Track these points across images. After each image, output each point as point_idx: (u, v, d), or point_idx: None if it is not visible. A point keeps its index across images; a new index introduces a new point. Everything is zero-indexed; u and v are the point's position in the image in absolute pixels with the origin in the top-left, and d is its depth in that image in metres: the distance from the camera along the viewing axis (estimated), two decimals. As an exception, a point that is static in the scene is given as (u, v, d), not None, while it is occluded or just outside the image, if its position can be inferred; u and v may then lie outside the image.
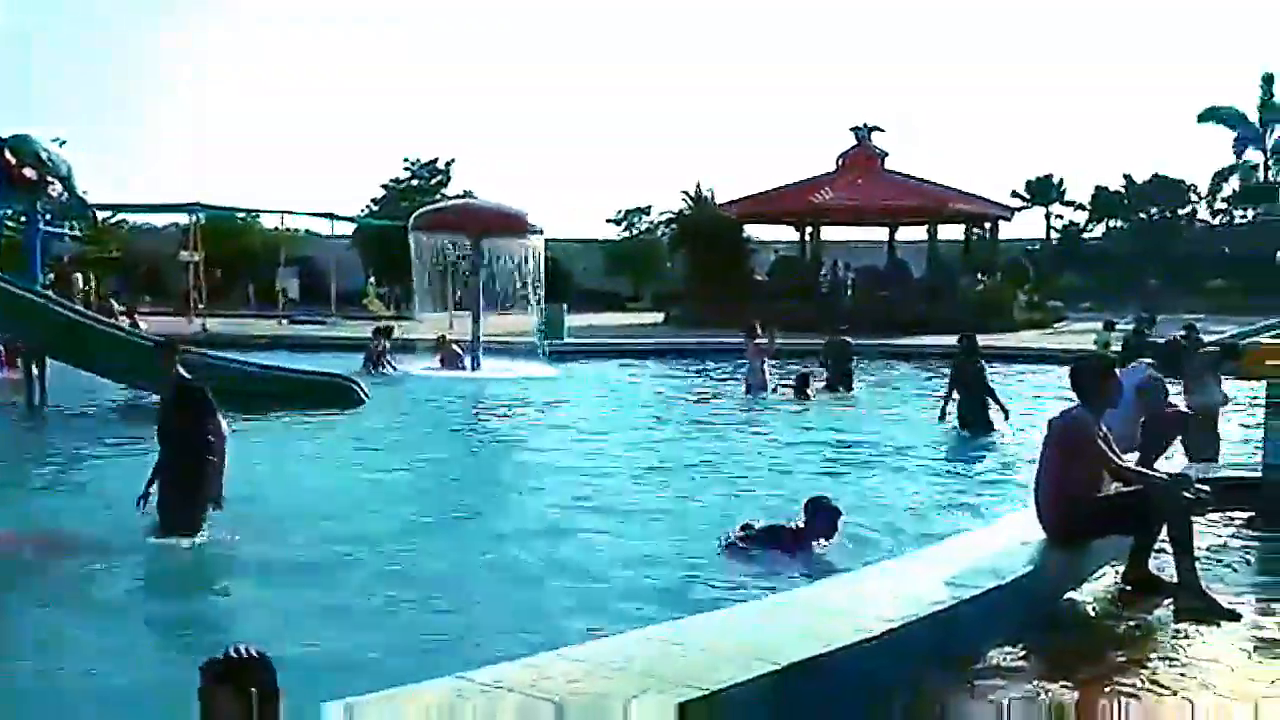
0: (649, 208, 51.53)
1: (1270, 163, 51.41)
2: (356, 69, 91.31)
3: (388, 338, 18.50)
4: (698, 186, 36.72)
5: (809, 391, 14.88)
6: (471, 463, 10.72)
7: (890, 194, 34.18)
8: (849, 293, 33.31)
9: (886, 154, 35.74)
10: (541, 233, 19.49)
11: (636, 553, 6.49)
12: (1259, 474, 7.32)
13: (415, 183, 47.61)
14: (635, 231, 52.58)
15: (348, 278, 37.73)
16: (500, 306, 20.03)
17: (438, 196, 41.17)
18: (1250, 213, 51.67)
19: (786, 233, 39.87)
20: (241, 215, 42.35)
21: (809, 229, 36.45)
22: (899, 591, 4.50)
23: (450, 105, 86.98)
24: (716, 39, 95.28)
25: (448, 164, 48.37)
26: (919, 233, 38.37)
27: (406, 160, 48.50)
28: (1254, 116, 50.92)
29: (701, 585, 5.88)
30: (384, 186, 48.17)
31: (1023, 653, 4.44)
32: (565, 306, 25.42)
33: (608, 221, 53.98)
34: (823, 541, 6.45)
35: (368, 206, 46.52)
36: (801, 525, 6.48)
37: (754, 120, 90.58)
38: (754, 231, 38.04)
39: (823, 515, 6.51)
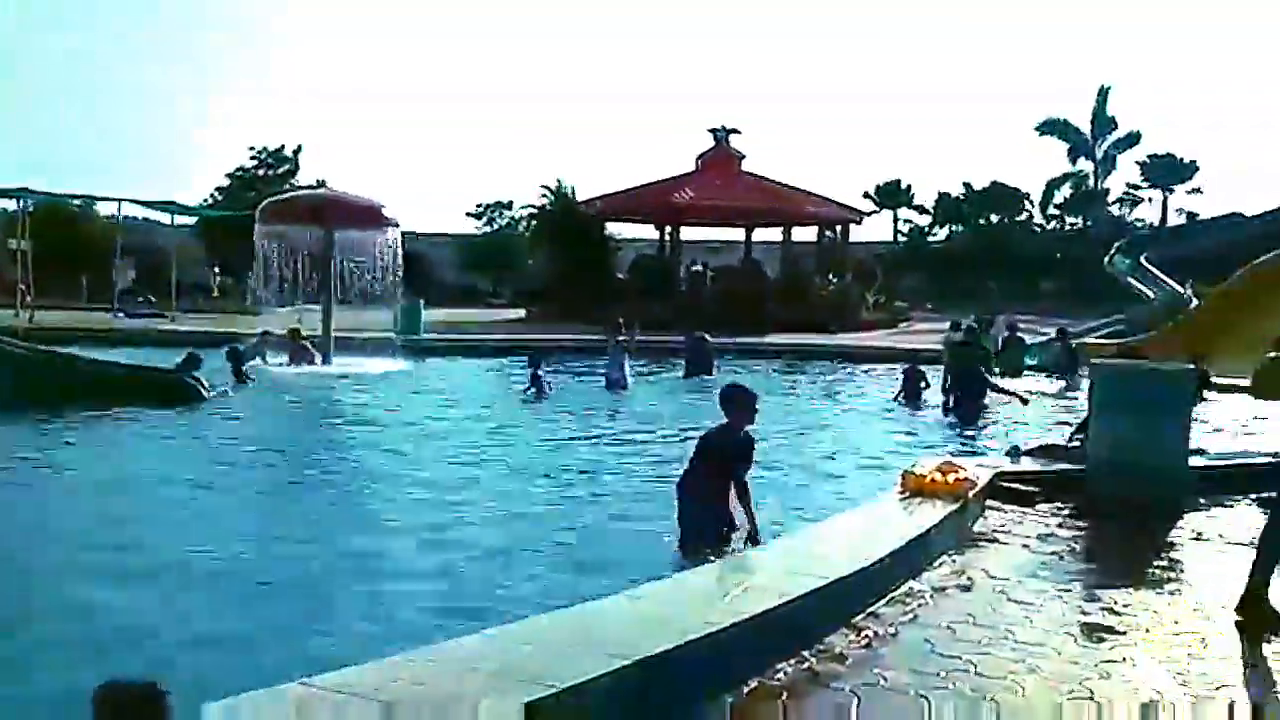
0: (510, 202, 51.17)
1: (1099, 171, 54.63)
2: (204, 54, 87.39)
3: (298, 339, 17.91)
4: (559, 182, 36.68)
5: None
6: (300, 462, 10.24)
7: (747, 195, 34.90)
8: (707, 292, 33.84)
9: (744, 156, 36.48)
10: (398, 225, 19.08)
11: (475, 551, 6.45)
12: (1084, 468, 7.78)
13: (262, 172, 45.90)
14: (496, 226, 52.08)
15: (189, 270, 36.08)
16: (354, 301, 19.52)
17: (286, 186, 39.82)
18: (1080, 219, 54.89)
19: (646, 231, 40.25)
20: (76, 203, 39.97)
21: (668, 228, 36.91)
22: (749, 583, 4.63)
23: (301, 91, 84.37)
24: (575, 35, 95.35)
25: (295, 152, 46.80)
26: (774, 234, 39.33)
27: (253, 149, 46.72)
28: (1087, 128, 53.99)
29: (541, 582, 5.89)
30: (229, 176, 46.29)
31: (864, 641, 4.59)
32: (423, 301, 24.96)
33: (468, 215, 53.34)
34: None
35: (212, 196, 44.62)
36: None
37: (615, 118, 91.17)
38: (615, 229, 38.26)
39: (736, 398, 6.62)
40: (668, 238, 37.09)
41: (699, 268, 34.96)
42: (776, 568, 4.98)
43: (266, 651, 4.64)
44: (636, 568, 5.67)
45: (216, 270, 37.72)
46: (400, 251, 18.97)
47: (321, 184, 36.15)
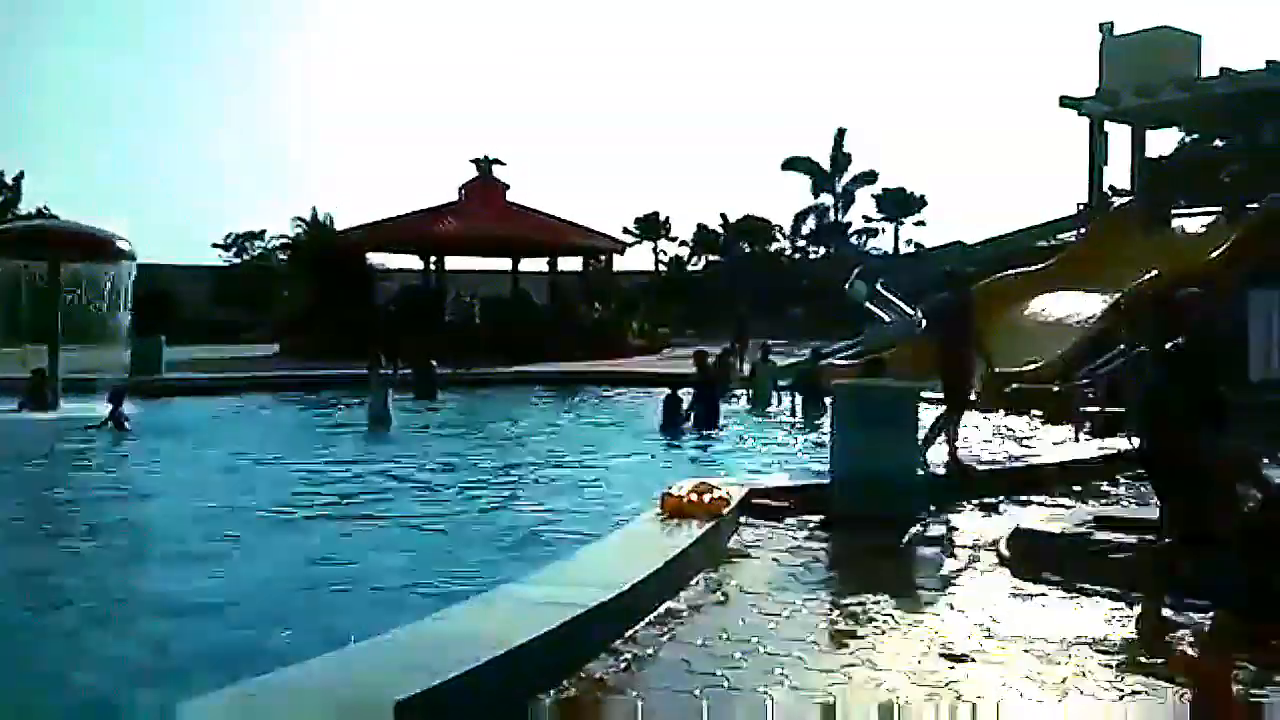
0: (263, 232, 48.92)
1: (839, 205, 58.60)
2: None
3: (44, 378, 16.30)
4: (314, 211, 35.42)
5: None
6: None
7: (513, 225, 34.94)
8: (475, 321, 33.62)
9: (508, 186, 36.54)
10: (134, 257, 17.73)
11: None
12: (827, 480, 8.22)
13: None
14: (248, 257, 49.63)
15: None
16: (83, 339, 17.93)
17: (8, 216, 36.39)
18: (824, 248, 58.63)
19: (411, 262, 39.48)
20: None
21: (433, 258, 36.41)
22: (507, 616, 4.58)
23: (22, 111, 77.26)
24: (329, 62, 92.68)
25: (17, 179, 42.86)
26: (541, 264, 39.58)
27: (-33, 177, 42.44)
28: (827, 164, 57.82)
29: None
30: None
31: (623, 665, 4.63)
32: (164, 338, 23.29)
33: (214, 247, 50.56)
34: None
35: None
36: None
37: (374, 147, 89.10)
38: (377, 260, 37.30)
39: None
40: (433, 268, 36.58)
41: (468, 299, 34.63)
42: (536, 596, 4.95)
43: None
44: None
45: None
46: (133, 284, 17.58)
47: (44, 213, 33.23)
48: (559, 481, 10.59)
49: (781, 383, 20.59)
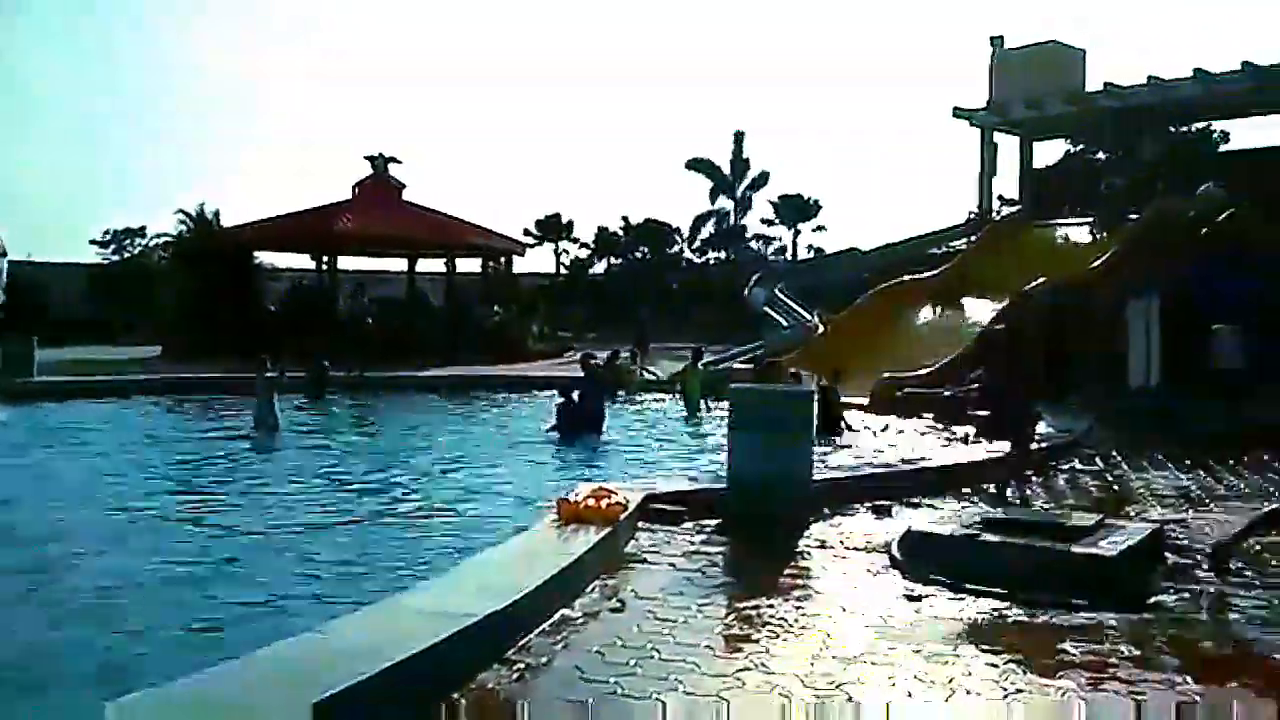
0: (143, 229, 47.11)
1: (739, 209, 59.23)
2: None
3: None
4: (200, 208, 34.22)
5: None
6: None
7: (409, 225, 34.32)
8: (369, 322, 32.88)
9: (404, 186, 35.90)
10: (4, 253, 16.85)
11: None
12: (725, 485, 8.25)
13: None
14: (127, 255, 47.72)
15: None
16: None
17: None
18: (724, 253, 59.22)
19: (302, 261, 38.48)
20: None
21: (325, 257, 35.56)
22: (400, 625, 4.45)
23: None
24: (218, 53, 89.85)
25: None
26: (438, 265, 38.99)
27: None
28: (727, 168, 58.41)
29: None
30: None
31: (516, 675, 4.54)
32: (35, 339, 22.15)
33: (92, 244, 48.49)
34: None
35: None
36: None
37: (263, 142, 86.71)
38: (267, 259, 36.23)
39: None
40: (324, 267, 35.70)
41: (365, 299, 33.83)
42: (425, 606, 4.82)
43: None
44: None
45: None
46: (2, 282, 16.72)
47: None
48: (452, 488, 10.39)
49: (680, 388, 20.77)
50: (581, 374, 15.64)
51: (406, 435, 15.04)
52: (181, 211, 34.49)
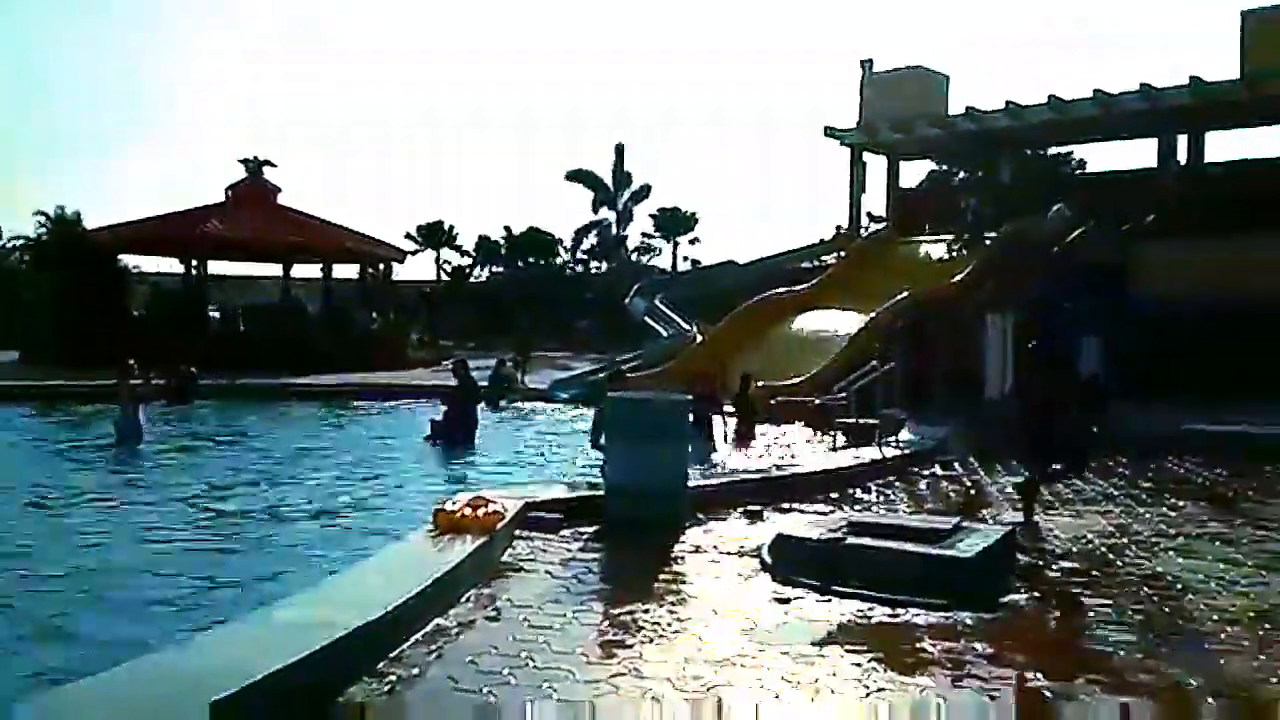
0: (-2, 229, 44.53)
1: (620, 221, 59.58)
2: None
3: None
4: (60, 209, 32.64)
5: None
6: None
7: (283, 230, 33.43)
8: (240, 329, 31.93)
9: (280, 189, 34.96)
10: None
11: None
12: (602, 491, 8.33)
13: None
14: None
15: None
16: None
17: None
18: (605, 263, 59.50)
19: (171, 265, 37.09)
20: None
21: (195, 262, 34.36)
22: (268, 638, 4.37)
23: None
24: (85, 46, 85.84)
25: None
26: (315, 270, 38.09)
27: None
28: (609, 180, 58.68)
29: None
30: None
31: (387, 688, 4.51)
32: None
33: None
34: None
35: None
36: None
37: (128, 144, 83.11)
38: (133, 263, 34.79)
39: None
40: (194, 271, 34.48)
41: (235, 306, 32.80)
42: (295, 619, 4.74)
43: None
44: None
45: None
46: None
47: None
48: (325, 499, 10.19)
49: (563, 395, 20.85)
50: (456, 382, 15.43)
51: (278, 444, 14.64)
52: (40, 213, 32.86)
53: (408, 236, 56.17)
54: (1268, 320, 19.64)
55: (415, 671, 4.72)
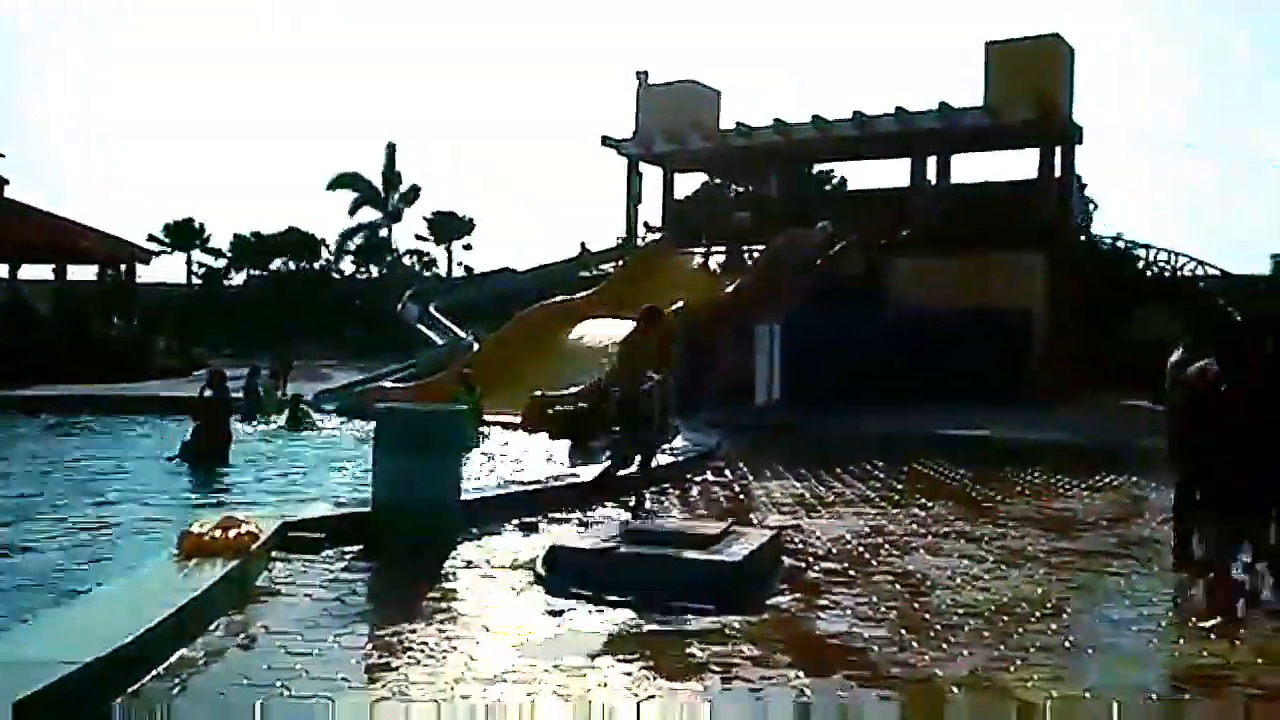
0: None
1: (390, 223, 57.77)
2: None
3: None
4: None
5: None
6: None
7: (10, 225, 30.38)
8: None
9: (7, 181, 31.74)
10: None
11: None
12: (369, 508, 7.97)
13: None
14: None
15: None
16: None
17: None
18: (374, 268, 57.56)
19: None
20: None
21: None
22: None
23: None
24: None
25: None
26: (46, 271, 34.87)
27: None
28: (379, 180, 56.82)
29: None
30: None
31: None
32: None
33: None
34: None
35: None
36: None
37: None
38: None
39: None
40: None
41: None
42: (13, 656, 4.22)
43: None
44: None
45: None
46: None
47: None
48: (53, 524, 9.17)
49: (328, 407, 20.03)
50: (210, 393, 14.32)
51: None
52: None
53: (152, 238, 52.37)
54: (1002, 327, 21.73)
55: (155, 707, 4.30)
